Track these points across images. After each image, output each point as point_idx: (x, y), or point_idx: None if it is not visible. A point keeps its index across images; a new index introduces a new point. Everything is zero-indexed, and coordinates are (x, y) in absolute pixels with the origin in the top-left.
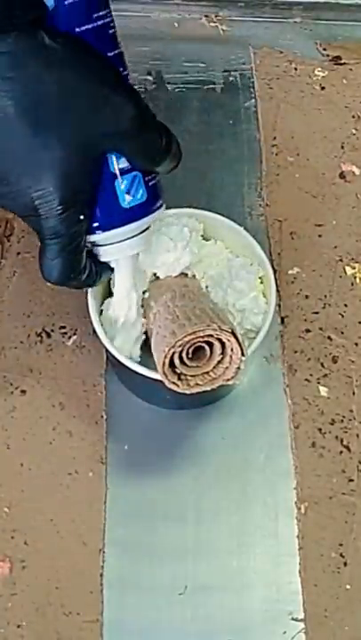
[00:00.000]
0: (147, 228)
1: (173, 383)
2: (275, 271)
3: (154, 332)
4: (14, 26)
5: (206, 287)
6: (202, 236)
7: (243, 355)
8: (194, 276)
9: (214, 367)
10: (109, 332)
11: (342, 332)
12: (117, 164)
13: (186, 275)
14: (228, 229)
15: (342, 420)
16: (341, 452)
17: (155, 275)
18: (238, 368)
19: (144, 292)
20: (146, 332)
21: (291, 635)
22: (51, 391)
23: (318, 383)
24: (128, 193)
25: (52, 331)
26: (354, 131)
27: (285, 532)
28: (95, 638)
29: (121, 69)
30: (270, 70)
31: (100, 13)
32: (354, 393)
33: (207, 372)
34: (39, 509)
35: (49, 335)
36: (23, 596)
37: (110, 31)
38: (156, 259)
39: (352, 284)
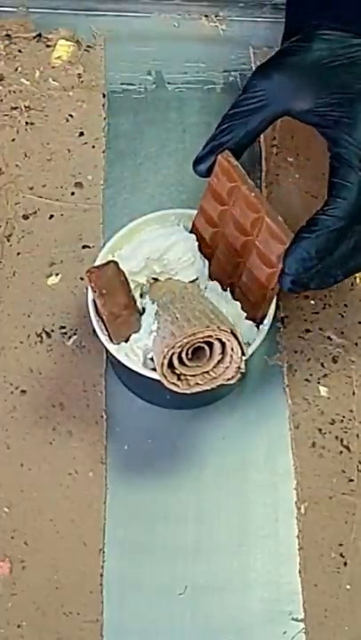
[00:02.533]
0: None
1: (173, 383)
2: None
3: (153, 333)
4: None
5: (206, 287)
6: None
7: (243, 354)
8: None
9: (214, 367)
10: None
11: (342, 332)
12: None
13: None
14: None
15: (342, 420)
16: (341, 452)
17: (153, 277)
18: (239, 368)
19: (142, 295)
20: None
21: (291, 635)
22: (51, 391)
23: (318, 383)
24: None
25: (52, 331)
26: None
27: (285, 532)
28: (95, 638)
29: None
30: None
31: None
32: (354, 393)
33: (207, 372)
34: (39, 509)
35: (49, 335)
36: (23, 596)
37: None
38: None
39: (352, 284)
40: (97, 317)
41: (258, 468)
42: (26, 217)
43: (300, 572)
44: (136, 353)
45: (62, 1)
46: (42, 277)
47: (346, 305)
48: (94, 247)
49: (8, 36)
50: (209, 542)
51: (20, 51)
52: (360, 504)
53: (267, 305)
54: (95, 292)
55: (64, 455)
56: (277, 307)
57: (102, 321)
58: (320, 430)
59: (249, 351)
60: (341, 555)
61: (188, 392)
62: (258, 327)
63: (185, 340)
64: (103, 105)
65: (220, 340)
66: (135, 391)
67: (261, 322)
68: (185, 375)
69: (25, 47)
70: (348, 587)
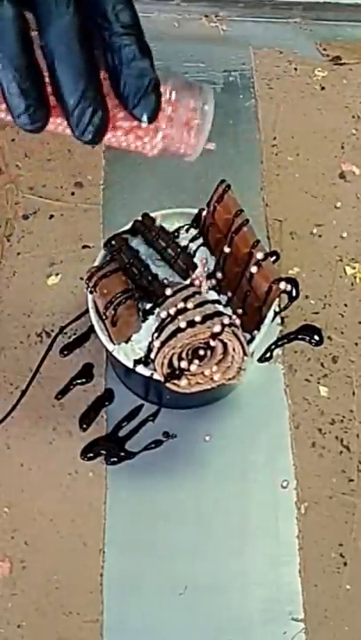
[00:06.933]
0: None
1: (173, 383)
2: None
3: (155, 332)
4: None
5: (210, 287)
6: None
7: (245, 354)
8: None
9: (215, 366)
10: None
11: (342, 332)
12: None
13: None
14: None
15: (342, 420)
16: (341, 452)
17: None
18: (240, 368)
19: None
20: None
21: (291, 635)
22: (51, 391)
23: (318, 383)
24: None
25: (52, 331)
26: (354, 131)
27: (285, 532)
28: (95, 638)
29: None
30: (270, 70)
31: None
32: (354, 393)
33: (207, 372)
34: (39, 509)
35: (49, 335)
36: (23, 596)
37: None
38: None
39: (352, 284)
40: (97, 317)
41: (258, 468)
42: (26, 217)
43: (300, 572)
44: (136, 353)
45: None
46: (42, 277)
47: (346, 305)
48: (94, 247)
49: None
50: (209, 542)
51: None
52: (360, 504)
53: (261, 321)
54: (95, 292)
55: (64, 455)
56: (278, 306)
57: (103, 321)
58: (320, 430)
59: (250, 349)
60: (341, 555)
61: (188, 392)
62: (250, 341)
63: (186, 341)
64: None
65: (221, 341)
66: (135, 391)
67: (257, 330)
68: (185, 375)
69: None
70: (348, 587)
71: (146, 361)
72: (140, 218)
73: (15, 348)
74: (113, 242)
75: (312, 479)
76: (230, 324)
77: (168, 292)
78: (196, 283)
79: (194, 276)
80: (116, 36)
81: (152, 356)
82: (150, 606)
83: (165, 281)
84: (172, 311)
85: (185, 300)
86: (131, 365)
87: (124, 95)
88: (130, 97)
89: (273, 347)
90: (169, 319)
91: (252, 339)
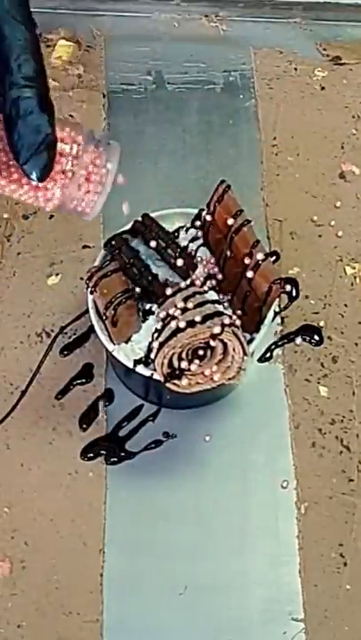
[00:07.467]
0: None
1: (173, 383)
2: None
3: (154, 333)
4: None
5: (210, 288)
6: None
7: (245, 354)
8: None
9: (215, 366)
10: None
11: (342, 332)
12: None
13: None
14: None
15: (342, 420)
16: (341, 452)
17: None
18: (240, 368)
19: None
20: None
21: (291, 635)
22: (51, 391)
23: (318, 383)
24: None
25: (52, 331)
26: (354, 131)
27: (285, 531)
28: (95, 638)
29: None
30: (270, 70)
31: None
32: (354, 393)
33: (207, 372)
34: (39, 509)
35: (49, 335)
36: (23, 596)
37: None
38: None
39: (352, 284)
40: (97, 317)
41: (258, 468)
42: (26, 217)
43: (300, 572)
44: (136, 353)
45: (62, 1)
46: (42, 277)
47: (346, 305)
48: (94, 247)
49: None
50: (209, 542)
51: None
52: (360, 504)
53: (261, 321)
54: (95, 292)
55: (64, 455)
56: (278, 306)
57: (103, 321)
58: (320, 430)
59: (250, 349)
60: (341, 555)
61: (188, 392)
62: (250, 341)
63: (186, 341)
64: (103, 105)
65: (221, 341)
66: (135, 391)
67: (257, 331)
68: (185, 375)
69: None
70: (348, 587)
71: (146, 361)
72: (140, 218)
73: (15, 348)
74: (113, 242)
75: (312, 479)
76: (230, 324)
77: (168, 291)
78: (197, 283)
79: (194, 276)
80: (17, 87)
81: (152, 356)
82: (150, 606)
83: (166, 281)
84: (171, 311)
85: (185, 300)
86: (131, 365)
87: (17, 149)
88: (22, 152)
89: (273, 347)
90: (169, 319)
91: (252, 339)
